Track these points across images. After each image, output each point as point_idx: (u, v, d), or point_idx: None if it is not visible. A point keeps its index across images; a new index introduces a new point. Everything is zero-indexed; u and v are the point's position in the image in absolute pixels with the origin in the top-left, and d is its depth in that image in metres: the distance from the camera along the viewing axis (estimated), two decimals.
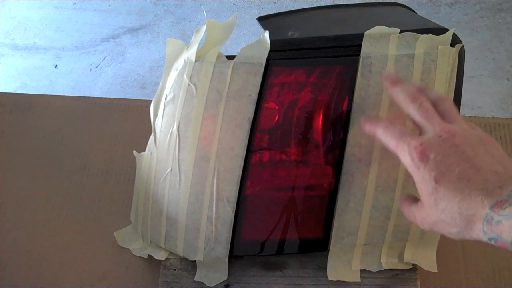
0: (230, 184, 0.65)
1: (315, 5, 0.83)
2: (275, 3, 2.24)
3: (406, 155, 0.54)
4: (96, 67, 2.06)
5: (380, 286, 0.69)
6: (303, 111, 0.64)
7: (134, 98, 1.21)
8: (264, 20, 0.73)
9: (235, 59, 0.62)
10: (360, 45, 0.62)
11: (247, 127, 0.63)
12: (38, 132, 0.84)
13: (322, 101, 0.64)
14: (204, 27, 0.62)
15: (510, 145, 0.82)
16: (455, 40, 0.64)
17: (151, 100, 0.67)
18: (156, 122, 0.67)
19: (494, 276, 0.72)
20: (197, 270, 0.70)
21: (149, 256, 0.71)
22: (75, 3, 2.25)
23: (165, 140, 0.66)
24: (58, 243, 0.74)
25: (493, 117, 1.77)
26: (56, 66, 2.06)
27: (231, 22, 0.62)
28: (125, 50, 2.11)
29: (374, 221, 0.68)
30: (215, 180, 0.65)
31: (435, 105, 0.57)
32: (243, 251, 0.70)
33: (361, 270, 0.70)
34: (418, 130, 0.56)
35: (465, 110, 1.79)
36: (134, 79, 2.02)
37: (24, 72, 2.05)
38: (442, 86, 0.64)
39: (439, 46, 0.63)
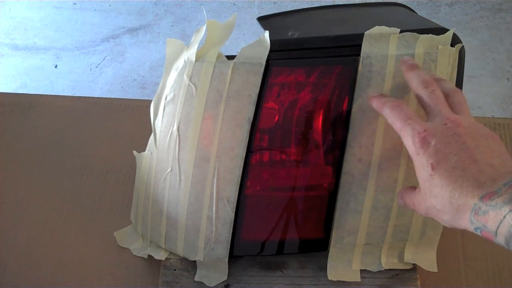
0: (230, 184, 0.65)
1: (315, 5, 0.83)
2: (275, 3, 2.24)
3: (409, 139, 0.54)
4: (96, 67, 2.06)
5: (380, 286, 0.69)
6: (303, 111, 0.64)
7: (134, 98, 1.22)
8: (264, 20, 0.73)
9: (235, 59, 0.62)
10: (360, 45, 0.62)
11: (247, 127, 0.63)
12: (38, 132, 0.84)
13: (322, 101, 0.64)
14: (204, 27, 0.62)
15: (510, 145, 0.82)
16: (455, 40, 0.64)
17: (151, 100, 0.67)
18: (156, 122, 0.67)
19: (494, 276, 0.72)
20: (197, 270, 0.70)
21: (149, 256, 0.71)
22: (75, 3, 2.25)
23: (165, 140, 0.66)
24: (58, 243, 0.74)
25: (493, 117, 1.77)
26: (56, 66, 2.06)
27: (231, 22, 0.62)
28: (125, 50, 2.11)
29: (374, 221, 0.68)
30: (215, 180, 0.65)
31: (446, 96, 0.58)
32: (243, 251, 0.70)
33: (361, 270, 0.70)
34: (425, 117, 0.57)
35: None
36: (134, 79, 2.02)
37: (24, 72, 2.05)
38: None
39: (439, 46, 0.63)
